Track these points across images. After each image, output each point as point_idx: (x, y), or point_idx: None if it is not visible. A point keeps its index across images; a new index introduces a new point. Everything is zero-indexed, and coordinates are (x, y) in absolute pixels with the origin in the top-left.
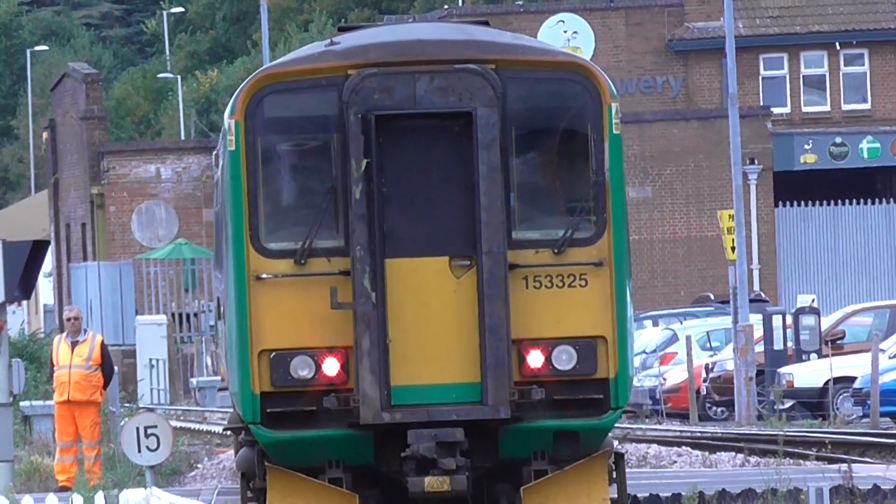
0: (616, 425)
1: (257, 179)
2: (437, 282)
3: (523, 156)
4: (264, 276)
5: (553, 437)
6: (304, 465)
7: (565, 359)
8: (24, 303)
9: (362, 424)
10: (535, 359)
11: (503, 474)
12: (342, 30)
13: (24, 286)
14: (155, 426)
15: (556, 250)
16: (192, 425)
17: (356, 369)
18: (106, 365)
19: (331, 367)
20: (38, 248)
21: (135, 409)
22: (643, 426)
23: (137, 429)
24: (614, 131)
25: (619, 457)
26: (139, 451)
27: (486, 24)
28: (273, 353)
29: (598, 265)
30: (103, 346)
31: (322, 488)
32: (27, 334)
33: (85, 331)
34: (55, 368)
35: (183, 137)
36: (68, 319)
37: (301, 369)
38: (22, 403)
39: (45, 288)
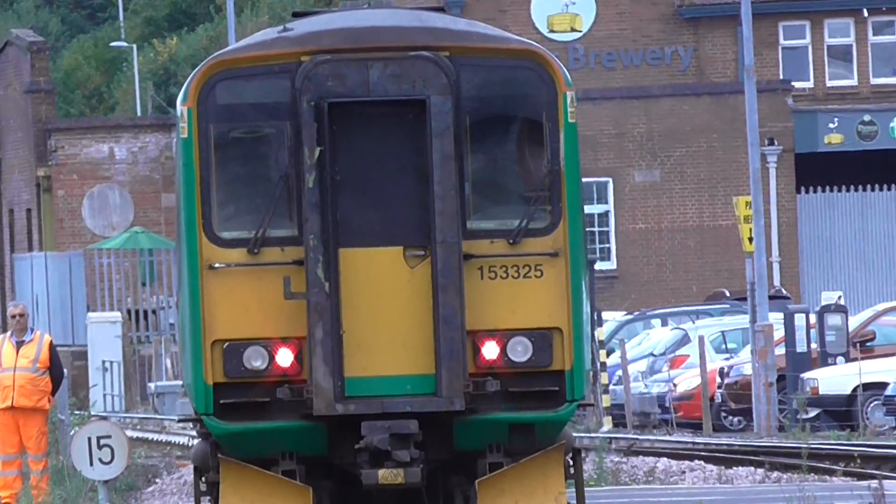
0: (621, 436)
1: (210, 167)
2: (392, 272)
3: (478, 144)
4: (217, 265)
5: (508, 429)
6: (257, 456)
7: (521, 350)
8: None
9: (315, 416)
10: (490, 350)
11: (458, 467)
12: (297, 15)
13: None
14: (109, 436)
15: (511, 240)
16: (150, 435)
17: (309, 360)
18: (55, 368)
19: (284, 357)
20: None
21: (86, 417)
22: (651, 437)
23: (89, 439)
24: (569, 120)
25: (577, 452)
26: (91, 464)
27: (442, 10)
28: (226, 344)
29: (553, 255)
30: (52, 347)
31: (275, 480)
32: None
33: (31, 329)
34: None
35: (139, 114)
36: (13, 316)
37: (254, 360)
38: None
39: None
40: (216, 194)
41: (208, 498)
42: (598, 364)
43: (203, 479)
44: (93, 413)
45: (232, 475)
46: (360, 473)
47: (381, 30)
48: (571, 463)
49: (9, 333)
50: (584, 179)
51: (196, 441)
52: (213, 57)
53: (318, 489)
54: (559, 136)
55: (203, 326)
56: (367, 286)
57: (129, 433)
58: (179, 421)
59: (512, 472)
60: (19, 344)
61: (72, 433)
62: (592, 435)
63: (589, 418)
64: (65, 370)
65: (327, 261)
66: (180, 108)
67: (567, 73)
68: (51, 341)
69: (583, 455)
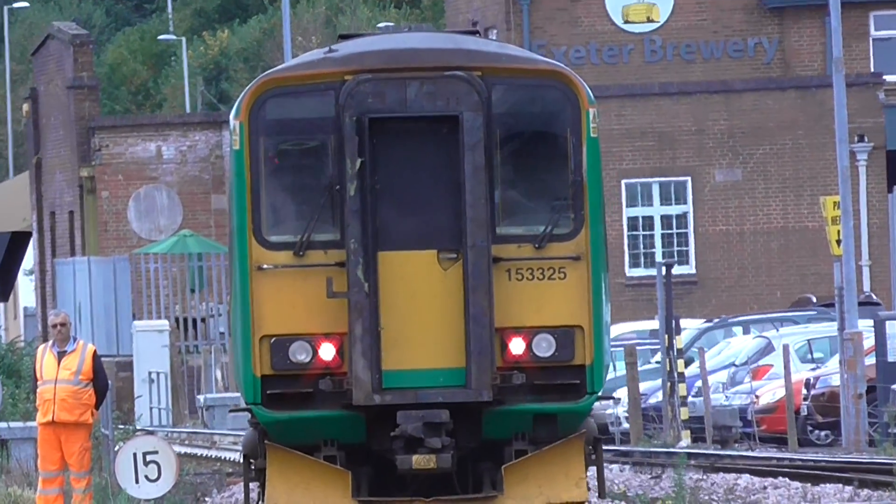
0: (700, 451)
1: (260, 177)
2: (426, 273)
3: (507, 157)
4: (265, 266)
5: (533, 419)
6: (301, 443)
7: (545, 346)
8: (1, 305)
9: (355, 405)
10: (516, 346)
11: (486, 453)
12: (343, 37)
13: (1, 285)
14: (155, 452)
15: (536, 245)
16: (199, 451)
17: (350, 354)
18: (99, 380)
19: (327, 351)
20: (18, 241)
21: (131, 431)
22: (732, 452)
23: (135, 455)
24: (592, 135)
25: (598, 441)
26: (137, 481)
27: (477, 33)
28: (273, 339)
29: (575, 259)
30: (95, 358)
31: (317, 465)
32: (4, 343)
33: (74, 339)
34: (38, 383)
35: (188, 110)
36: (54, 326)
37: (299, 354)
38: None
39: (25, 288)
40: (265, 201)
41: (257, 483)
42: (676, 375)
43: (252, 465)
44: (138, 427)
45: (278, 460)
46: (395, 459)
47: (419, 51)
48: (593, 450)
49: (50, 343)
50: (662, 178)
51: (247, 430)
52: (264, 75)
53: (356, 474)
54: (582, 150)
55: (252, 323)
56: (403, 286)
57: (177, 448)
58: (231, 411)
59: (536, 459)
60: (61, 354)
61: (116, 449)
62: (670, 450)
63: (666, 433)
64: (109, 382)
65: (367, 263)
66: (233, 122)
67: (590, 91)
68: (94, 351)
69: (661, 472)
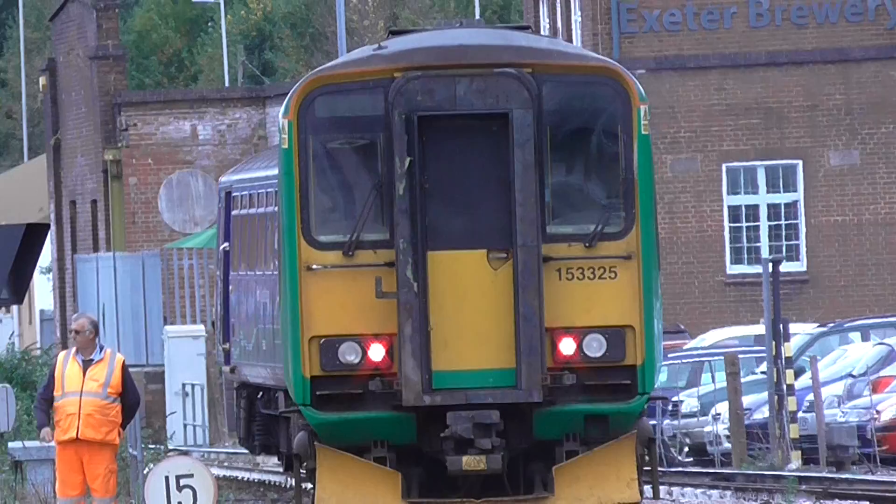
0: (813, 474)
1: (308, 176)
2: (476, 273)
3: (557, 154)
4: (315, 266)
5: (584, 419)
6: (351, 444)
7: (595, 346)
8: (15, 308)
9: (405, 406)
10: (567, 346)
11: (537, 454)
12: (393, 33)
13: (14, 286)
14: (190, 475)
15: (587, 244)
16: (240, 474)
17: (399, 355)
18: (129, 395)
19: (376, 352)
20: (34, 234)
21: (163, 452)
22: (849, 476)
23: (167, 478)
24: (643, 132)
25: (651, 441)
26: None
27: (528, 28)
28: (322, 339)
29: (626, 258)
30: (125, 369)
31: (368, 466)
32: (18, 350)
33: (101, 347)
34: (58, 395)
35: (227, 84)
36: (77, 332)
37: (348, 354)
38: (11, 444)
39: (42, 288)
40: (314, 201)
41: (308, 485)
42: (784, 387)
43: (302, 466)
44: (171, 447)
45: (328, 461)
46: (445, 460)
47: (469, 48)
48: (647, 452)
49: (73, 350)
50: (769, 161)
51: (299, 433)
52: (313, 73)
53: (407, 475)
54: (633, 147)
55: (301, 323)
56: (452, 286)
57: (215, 471)
58: (281, 413)
59: (587, 460)
60: (87, 364)
61: (146, 472)
62: (778, 473)
63: (773, 453)
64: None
65: (416, 263)
66: (281, 120)
67: (641, 87)
68: (124, 362)
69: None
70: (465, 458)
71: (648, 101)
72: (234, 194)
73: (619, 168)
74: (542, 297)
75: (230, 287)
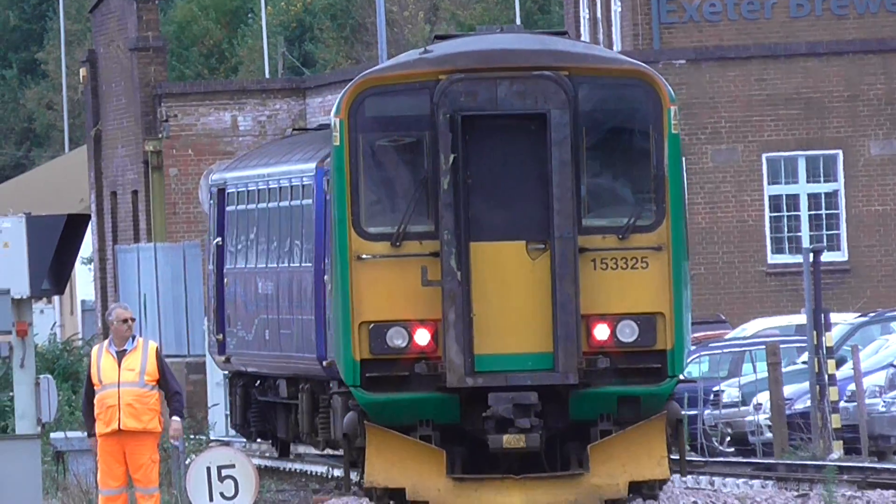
0: (854, 464)
1: (359, 171)
2: (516, 263)
3: (592, 152)
4: (364, 256)
5: (617, 401)
6: (398, 423)
7: (628, 332)
8: (56, 299)
9: (449, 388)
10: (601, 332)
11: (573, 434)
12: (439, 38)
13: (55, 276)
14: (232, 465)
15: (620, 236)
16: (282, 464)
17: (444, 339)
18: (168, 380)
19: (422, 337)
20: (75, 225)
21: (205, 442)
22: (891, 465)
23: (209, 469)
24: (673, 131)
25: (679, 422)
26: (211, 498)
27: (566, 34)
28: (371, 325)
29: (657, 249)
30: (160, 357)
31: (414, 444)
32: (60, 341)
33: (133, 337)
34: (96, 388)
35: (268, 75)
36: (123, 321)
37: (396, 339)
38: (53, 435)
39: (83, 279)
40: (364, 194)
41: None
42: (826, 377)
43: (351, 445)
44: (213, 438)
45: (377, 439)
46: (486, 439)
47: (509, 52)
48: (675, 432)
49: (106, 343)
50: (809, 151)
51: (348, 413)
52: (363, 75)
53: (451, 453)
54: (664, 145)
55: (352, 310)
56: (493, 275)
57: (257, 462)
58: (333, 394)
59: (620, 439)
60: (120, 355)
61: (188, 462)
62: (819, 463)
63: (814, 443)
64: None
65: (459, 253)
66: (333, 119)
67: (671, 89)
68: (157, 349)
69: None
70: (505, 437)
71: (678, 101)
72: (230, 191)
73: (650, 165)
74: (577, 285)
75: (225, 280)
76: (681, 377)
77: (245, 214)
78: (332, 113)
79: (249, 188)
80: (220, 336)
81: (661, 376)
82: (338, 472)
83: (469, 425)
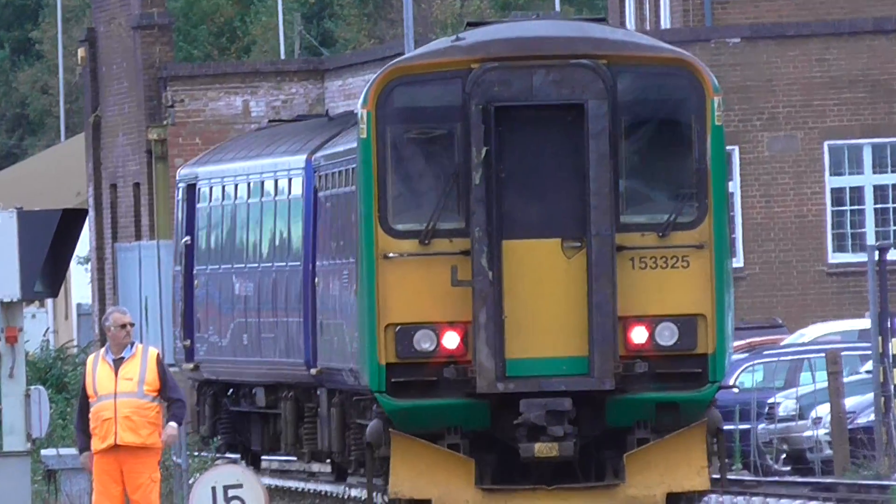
0: None
1: (386, 165)
2: (550, 262)
3: (631, 145)
4: (391, 254)
5: (655, 407)
6: (425, 431)
7: (667, 335)
8: (49, 302)
9: (479, 393)
10: (639, 334)
11: (608, 442)
12: (471, 25)
13: (48, 277)
14: (239, 485)
15: (660, 233)
16: (293, 484)
17: (474, 342)
18: (170, 389)
19: (451, 340)
20: (71, 220)
21: (210, 460)
22: None
23: (213, 489)
24: (716, 122)
25: (720, 431)
26: None
27: (604, 20)
28: (398, 327)
29: (699, 248)
30: (161, 364)
31: (441, 453)
32: (53, 349)
33: (132, 343)
34: (91, 401)
35: (283, 56)
36: (122, 326)
37: (423, 342)
38: (45, 452)
39: (79, 280)
40: (391, 190)
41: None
42: (892, 388)
43: (374, 454)
44: (218, 455)
45: (402, 448)
46: (518, 447)
47: (545, 40)
48: (716, 441)
49: (103, 351)
50: (876, 139)
51: (373, 420)
52: (392, 63)
53: (480, 461)
54: (707, 138)
55: (377, 311)
56: (527, 275)
57: (266, 481)
58: (355, 397)
59: (658, 447)
60: (117, 363)
61: (191, 481)
62: (884, 483)
63: (879, 461)
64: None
65: (491, 251)
66: (360, 110)
67: (715, 79)
68: (158, 355)
69: None
70: (537, 445)
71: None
72: (202, 187)
73: (692, 159)
74: (615, 285)
75: (195, 282)
76: (721, 383)
77: (220, 211)
78: (359, 104)
79: (226, 184)
80: (188, 342)
81: (701, 382)
82: (354, 493)
83: (499, 433)
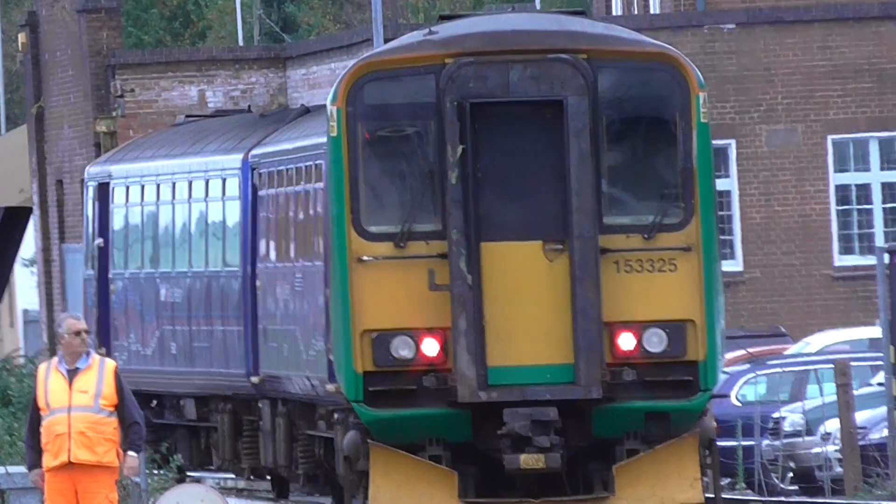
0: None
1: (358, 164)
2: (531, 265)
3: (613, 143)
4: (365, 258)
5: (644, 417)
6: (404, 442)
7: (656, 341)
8: None
9: (460, 403)
10: (626, 341)
11: (596, 453)
12: (443, 18)
13: None
14: None
15: (646, 235)
16: (232, 501)
17: (454, 349)
18: (128, 406)
19: (430, 347)
20: (13, 219)
21: (170, 478)
22: None
23: None
24: (702, 120)
25: (712, 442)
26: None
27: (584, 14)
28: (374, 334)
29: (686, 250)
30: (118, 377)
31: (422, 465)
32: None
33: (88, 353)
34: (43, 414)
35: (241, 42)
36: (76, 333)
37: (401, 349)
38: None
39: (24, 283)
40: (364, 190)
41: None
42: None
43: (352, 468)
44: (181, 472)
45: (381, 460)
46: (502, 459)
47: (522, 33)
48: (708, 452)
49: (55, 360)
50: (883, 133)
51: (349, 433)
52: (362, 59)
53: (463, 474)
54: (692, 136)
55: (352, 317)
56: (507, 278)
57: (233, 502)
58: (333, 410)
59: (648, 458)
60: (71, 374)
61: (151, 501)
62: None
63: (893, 479)
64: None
65: (470, 254)
66: (330, 107)
67: (700, 74)
68: (116, 368)
69: None
70: (522, 457)
71: (707, 87)
72: (116, 187)
73: (677, 157)
74: (599, 290)
75: (110, 287)
76: (713, 391)
77: (140, 212)
78: (329, 100)
79: (146, 183)
80: (104, 350)
81: (692, 390)
82: None
83: (482, 444)
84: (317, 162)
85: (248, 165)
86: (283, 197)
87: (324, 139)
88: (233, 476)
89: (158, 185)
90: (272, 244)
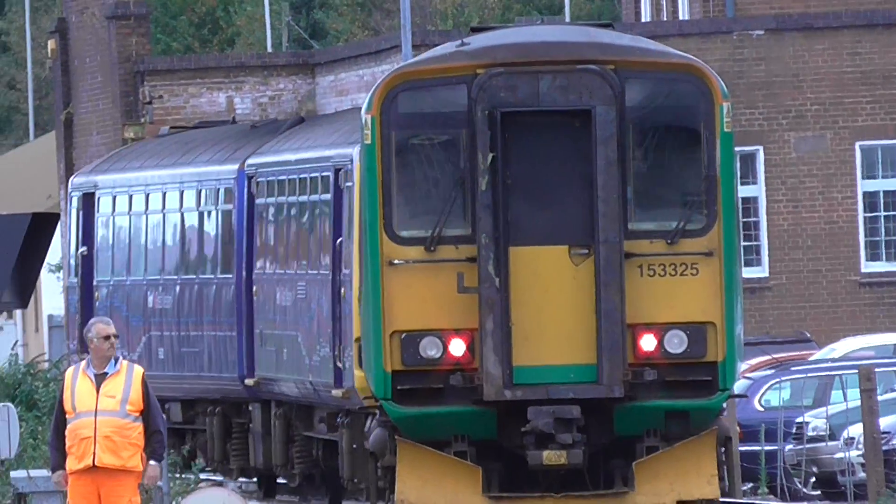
0: None
1: (391, 171)
2: (557, 269)
3: (639, 151)
4: (396, 261)
5: (664, 415)
6: (431, 439)
7: (677, 343)
8: (19, 313)
9: (486, 401)
10: (648, 342)
11: (617, 450)
12: (475, 30)
13: (18, 286)
14: None
15: (669, 240)
16: None
17: (480, 350)
18: (153, 414)
19: (457, 347)
20: (41, 225)
21: (193, 482)
22: None
23: None
24: (725, 129)
25: (728, 440)
26: None
27: (611, 26)
28: (404, 334)
29: (708, 255)
30: (145, 383)
31: (448, 461)
32: (23, 363)
33: (116, 359)
34: (69, 417)
35: (270, 48)
36: (106, 337)
37: (429, 349)
38: (14, 474)
39: (50, 289)
40: (396, 196)
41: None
42: None
43: (378, 464)
44: (202, 477)
45: (408, 456)
46: (526, 455)
47: (551, 45)
48: (725, 449)
49: (83, 364)
50: None
51: (376, 430)
52: (396, 69)
53: (487, 470)
54: (716, 145)
55: (383, 318)
56: (534, 282)
57: None
58: (361, 409)
59: (667, 456)
60: (99, 378)
61: None
62: None
63: None
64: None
65: (498, 258)
66: (364, 116)
67: (724, 85)
68: (143, 374)
69: None
70: (545, 453)
71: (731, 97)
72: (102, 196)
73: (701, 165)
74: (623, 293)
75: (95, 294)
76: (731, 392)
77: (128, 221)
78: (363, 109)
79: (133, 193)
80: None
81: (711, 390)
82: None
83: (507, 441)
84: (323, 174)
85: (245, 174)
86: (285, 206)
87: (328, 151)
88: (221, 477)
89: (147, 195)
90: (270, 251)
